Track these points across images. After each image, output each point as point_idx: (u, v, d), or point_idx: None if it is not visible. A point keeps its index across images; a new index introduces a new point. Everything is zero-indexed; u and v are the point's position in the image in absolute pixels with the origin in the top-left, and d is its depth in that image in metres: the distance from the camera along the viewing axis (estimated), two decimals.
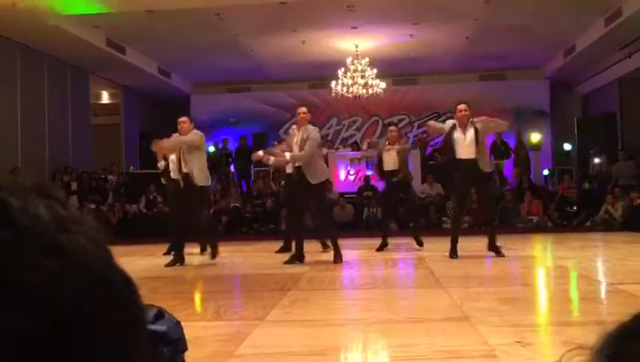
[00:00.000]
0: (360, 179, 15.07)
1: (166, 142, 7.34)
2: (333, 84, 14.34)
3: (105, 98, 18.10)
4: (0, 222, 0.38)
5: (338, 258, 6.83)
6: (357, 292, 5.05)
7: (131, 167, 16.00)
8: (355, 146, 16.76)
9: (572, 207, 12.92)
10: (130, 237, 11.76)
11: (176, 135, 7.44)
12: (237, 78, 16.79)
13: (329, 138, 16.65)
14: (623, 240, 9.57)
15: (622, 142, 15.06)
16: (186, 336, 0.71)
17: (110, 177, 14.56)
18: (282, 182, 8.39)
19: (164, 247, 8.38)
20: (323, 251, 7.86)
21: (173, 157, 7.73)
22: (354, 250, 8.52)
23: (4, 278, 0.37)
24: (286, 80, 16.96)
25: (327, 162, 7.40)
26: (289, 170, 7.29)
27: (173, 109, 17.39)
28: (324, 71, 14.80)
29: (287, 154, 6.75)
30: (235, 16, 11.93)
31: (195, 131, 7.14)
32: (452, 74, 16.66)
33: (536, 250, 8.43)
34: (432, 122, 7.53)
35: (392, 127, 8.82)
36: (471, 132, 6.89)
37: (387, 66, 14.64)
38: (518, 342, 2.87)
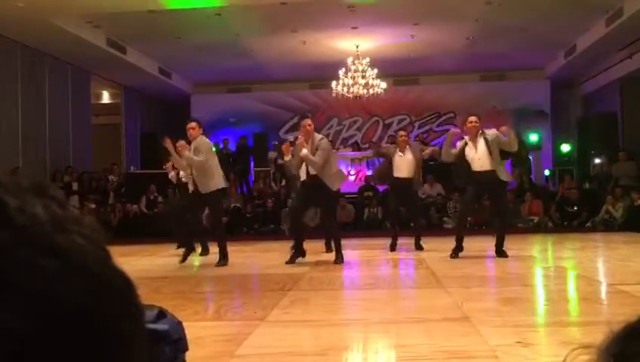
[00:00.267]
0: (360, 179, 15.07)
1: (179, 159, 7.32)
2: (333, 84, 14.34)
3: (105, 98, 18.11)
4: None
5: (339, 259, 6.85)
6: (357, 293, 5.05)
7: (132, 167, 16.01)
8: (356, 146, 16.77)
9: (572, 207, 12.92)
10: (130, 237, 11.77)
11: (182, 143, 7.39)
12: (237, 78, 16.80)
13: (330, 138, 16.64)
14: (624, 241, 9.56)
15: (622, 142, 15.06)
16: (187, 336, 0.71)
17: (111, 177, 14.56)
18: (284, 182, 8.38)
19: (165, 247, 8.39)
20: (326, 252, 7.87)
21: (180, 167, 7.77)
22: (354, 250, 8.52)
23: (0, 279, 0.36)
24: (286, 80, 16.97)
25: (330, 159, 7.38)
26: (303, 176, 7.19)
27: (174, 109, 17.51)
28: (324, 71, 14.81)
29: (304, 151, 6.72)
30: (235, 17, 11.93)
31: (204, 140, 7.10)
32: (453, 74, 16.67)
33: (536, 250, 8.42)
34: (453, 130, 7.39)
35: (401, 132, 8.69)
36: (482, 143, 6.87)
37: (388, 66, 14.65)
38: (518, 342, 2.87)
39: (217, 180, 7.03)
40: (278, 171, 15.34)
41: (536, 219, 12.73)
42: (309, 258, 7.04)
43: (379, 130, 17.66)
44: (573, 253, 7.91)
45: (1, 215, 0.38)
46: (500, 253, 6.91)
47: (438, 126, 17.50)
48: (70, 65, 14.02)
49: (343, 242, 7.19)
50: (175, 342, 0.67)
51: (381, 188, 14.17)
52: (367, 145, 17.11)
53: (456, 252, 7.03)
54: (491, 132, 6.99)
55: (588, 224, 12.41)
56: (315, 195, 6.83)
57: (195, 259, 7.76)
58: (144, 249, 9.46)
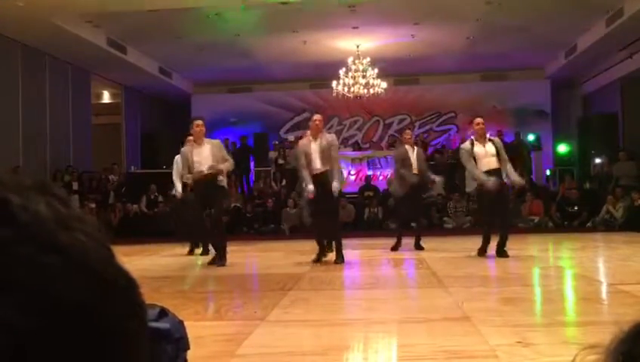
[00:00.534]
0: (361, 179, 15.08)
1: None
2: (334, 84, 14.34)
3: (106, 98, 18.12)
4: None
5: (340, 259, 6.84)
6: (358, 292, 5.05)
7: (132, 167, 16.01)
8: (356, 146, 16.77)
9: (573, 207, 12.92)
10: (131, 236, 11.78)
11: (185, 149, 7.31)
12: (238, 78, 16.79)
13: None
14: (624, 241, 9.56)
15: (623, 142, 15.06)
16: (188, 335, 0.71)
17: (111, 177, 14.57)
18: (284, 182, 8.37)
19: (166, 247, 8.39)
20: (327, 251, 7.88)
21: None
22: (355, 250, 8.52)
23: (3, 277, 0.36)
24: (287, 80, 16.97)
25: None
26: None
27: (174, 109, 17.51)
28: (325, 71, 14.80)
29: (335, 185, 6.67)
30: (235, 17, 11.93)
31: (218, 144, 7.09)
32: (453, 74, 16.66)
33: (537, 250, 8.42)
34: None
35: (407, 130, 8.91)
36: (490, 144, 6.94)
37: (388, 66, 14.65)
38: (519, 342, 2.87)
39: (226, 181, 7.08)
40: (278, 171, 15.35)
41: (536, 219, 12.74)
42: (309, 257, 7.04)
43: (379, 129, 17.66)
44: (574, 253, 7.91)
45: (4, 212, 0.38)
46: (501, 253, 6.91)
47: (438, 126, 17.50)
48: (70, 64, 14.02)
49: (344, 242, 7.19)
50: (177, 341, 0.67)
51: (382, 187, 14.19)
52: (367, 145, 17.12)
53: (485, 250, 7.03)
54: (497, 139, 7.17)
55: (588, 224, 12.41)
56: (326, 193, 6.75)
57: (197, 259, 7.77)
58: (144, 248, 9.46)
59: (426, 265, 6.49)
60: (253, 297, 4.85)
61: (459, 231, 12.15)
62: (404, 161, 8.20)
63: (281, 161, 15.51)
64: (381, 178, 15.49)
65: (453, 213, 12.85)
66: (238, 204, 13.69)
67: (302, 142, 7.02)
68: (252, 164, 16.23)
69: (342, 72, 14.16)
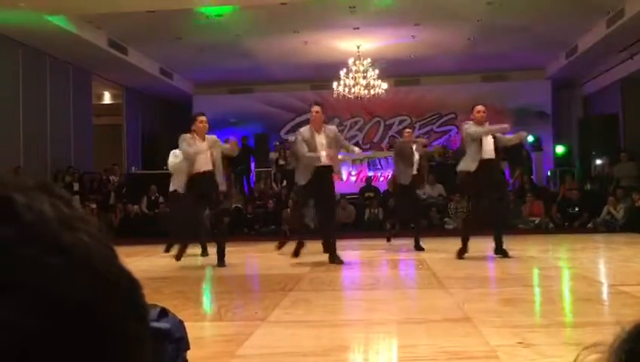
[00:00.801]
0: (361, 179, 15.08)
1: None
2: (335, 84, 14.34)
3: (107, 98, 18.13)
4: (4, 218, 0.38)
5: (335, 259, 6.72)
6: (358, 293, 5.05)
7: (133, 168, 16.02)
8: (357, 147, 16.76)
9: (574, 208, 12.91)
10: (131, 237, 11.78)
11: (187, 135, 7.29)
12: (239, 78, 16.80)
13: None
14: (625, 242, 9.56)
15: (624, 143, 15.05)
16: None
17: (112, 178, 14.58)
18: (285, 182, 8.35)
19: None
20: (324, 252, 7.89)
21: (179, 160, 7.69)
22: (355, 251, 8.52)
23: (6, 276, 0.36)
24: (288, 81, 16.98)
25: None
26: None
27: (175, 110, 17.50)
28: (325, 71, 14.81)
29: (323, 153, 6.55)
30: (236, 17, 11.94)
31: (215, 139, 7.12)
32: (454, 75, 16.67)
33: (537, 251, 8.41)
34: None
35: (408, 129, 8.94)
36: (489, 137, 6.90)
37: (389, 67, 14.65)
38: (519, 342, 2.87)
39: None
40: (279, 172, 15.35)
41: (537, 219, 12.73)
42: (310, 258, 7.04)
43: (380, 130, 17.66)
44: (574, 254, 7.91)
45: (9, 211, 0.38)
46: (501, 251, 6.90)
47: (439, 127, 17.49)
48: (71, 65, 14.03)
49: (344, 243, 7.19)
50: (177, 341, 0.67)
51: (382, 187, 14.20)
52: (368, 146, 17.12)
53: (463, 253, 7.00)
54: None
55: (589, 225, 12.40)
56: (327, 186, 6.68)
57: (197, 260, 7.77)
58: (145, 249, 9.46)
59: (427, 265, 6.49)
60: (253, 298, 4.85)
61: (459, 232, 12.12)
62: (405, 159, 8.20)
63: (281, 162, 15.52)
64: (382, 179, 15.50)
65: (454, 213, 12.84)
66: (239, 205, 13.69)
67: (302, 130, 6.81)
68: (253, 165, 16.24)
69: (342, 72, 14.17)
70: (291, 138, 16.18)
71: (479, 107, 7.01)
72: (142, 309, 0.43)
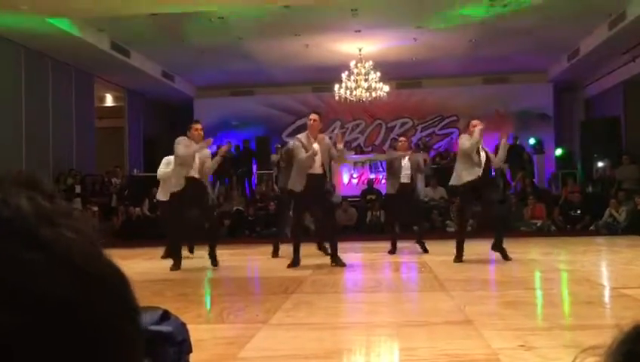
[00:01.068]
0: (363, 182, 15.08)
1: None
2: (336, 87, 14.35)
3: (109, 101, 18.16)
4: None
5: (338, 262, 6.79)
6: (360, 296, 5.05)
7: (135, 170, 16.04)
8: (359, 150, 16.77)
9: (576, 210, 12.90)
10: (133, 239, 11.80)
11: (183, 138, 7.33)
12: (240, 81, 16.82)
13: (332, 141, 16.63)
14: (627, 244, 9.55)
15: (626, 145, 15.04)
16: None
17: (114, 180, 14.59)
18: (279, 186, 8.38)
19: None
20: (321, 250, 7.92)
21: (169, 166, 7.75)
22: (357, 253, 8.52)
23: None
24: (289, 83, 16.99)
25: (330, 165, 7.42)
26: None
27: (177, 112, 17.52)
28: (327, 74, 14.82)
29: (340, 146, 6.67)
30: (238, 20, 11.96)
31: (208, 156, 7.16)
32: (456, 77, 16.66)
33: (539, 253, 8.41)
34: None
35: (402, 138, 8.99)
36: (482, 153, 6.92)
37: (391, 70, 14.65)
38: (521, 345, 2.87)
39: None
40: (280, 174, 15.34)
41: (539, 222, 12.72)
42: (311, 261, 7.04)
43: (381, 133, 17.66)
44: (576, 257, 7.89)
45: None
46: (500, 249, 6.95)
47: (440, 129, 17.50)
48: (74, 68, 14.06)
49: (346, 245, 7.19)
50: (179, 344, 0.67)
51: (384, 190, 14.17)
52: (370, 149, 17.12)
53: (460, 256, 7.02)
54: (486, 150, 7.16)
55: (591, 228, 12.39)
56: (319, 195, 6.77)
57: (199, 262, 7.76)
58: (147, 252, 9.47)
59: (428, 268, 6.49)
60: (255, 300, 4.85)
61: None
62: (391, 170, 8.38)
63: (283, 164, 15.50)
64: (383, 181, 15.48)
65: (456, 216, 12.83)
66: (240, 207, 13.69)
67: (300, 136, 6.97)
68: (254, 167, 16.25)
69: (344, 75, 14.17)
70: (290, 142, 16.24)
71: (475, 121, 7.04)
72: (131, 307, 0.43)
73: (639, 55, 13.36)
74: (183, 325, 0.71)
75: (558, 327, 3.39)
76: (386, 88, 14.47)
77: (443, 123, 17.48)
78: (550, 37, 13.19)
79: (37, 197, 0.41)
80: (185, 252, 7.82)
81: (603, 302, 4.42)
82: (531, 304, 4.42)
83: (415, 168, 8.42)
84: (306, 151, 6.70)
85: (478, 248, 7.62)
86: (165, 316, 0.69)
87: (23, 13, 10.38)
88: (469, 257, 7.06)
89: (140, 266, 7.70)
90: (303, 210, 7.11)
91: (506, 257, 6.90)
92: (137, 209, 13.34)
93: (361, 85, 14.23)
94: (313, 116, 6.86)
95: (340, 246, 7.00)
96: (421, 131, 17.43)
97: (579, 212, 12.82)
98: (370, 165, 15.47)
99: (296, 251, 6.82)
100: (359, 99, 14.51)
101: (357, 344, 3.18)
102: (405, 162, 8.33)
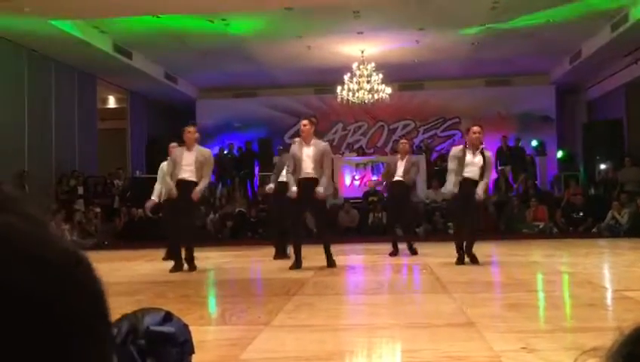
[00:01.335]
0: (365, 184, 15.07)
1: (198, 193, 7.27)
2: (338, 89, 14.36)
3: (111, 102, 18.19)
4: None
5: (331, 263, 6.87)
6: (362, 298, 5.05)
7: (137, 172, 16.05)
8: (361, 151, 16.77)
9: (578, 213, 12.88)
10: (135, 241, 11.81)
11: (173, 145, 7.40)
12: (243, 83, 16.84)
13: (334, 143, 16.67)
14: (629, 247, 9.53)
15: (628, 148, 15.02)
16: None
17: (116, 181, 14.61)
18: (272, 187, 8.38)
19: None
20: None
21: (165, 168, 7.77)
22: (359, 255, 8.52)
23: None
24: (291, 85, 17.01)
25: (332, 167, 7.48)
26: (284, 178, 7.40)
27: (180, 114, 17.53)
28: (329, 76, 14.83)
29: (321, 189, 6.71)
30: (241, 22, 11.97)
31: (209, 153, 7.12)
32: (458, 79, 16.67)
33: (541, 255, 8.40)
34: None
35: (403, 140, 8.98)
36: (479, 157, 6.94)
37: (393, 72, 14.66)
38: (523, 348, 2.87)
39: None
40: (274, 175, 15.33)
41: (541, 224, 12.70)
42: (313, 263, 7.04)
43: (384, 135, 17.67)
44: (579, 259, 7.88)
45: None
46: (470, 255, 6.96)
47: (442, 131, 17.50)
48: (76, 69, 14.09)
49: (347, 247, 7.19)
50: (181, 345, 0.67)
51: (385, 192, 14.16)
52: (372, 150, 17.12)
53: (462, 259, 7.03)
54: (488, 154, 7.15)
55: (593, 230, 12.37)
56: (309, 199, 6.79)
57: (201, 265, 7.76)
58: (149, 253, 9.48)
59: (430, 270, 6.48)
60: (257, 302, 4.85)
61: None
62: (389, 173, 8.44)
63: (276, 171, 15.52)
64: (385, 183, 15.47)
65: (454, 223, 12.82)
66: (243, 209, 13.70)
67: (293, 147, 7.09)
68: (256, 169, 16.25)
69: (346, 77, 14.18)
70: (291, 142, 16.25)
71: (475, 128, 7.07)
72: (88, 288, 0.41)
73: None
74: (186, 326, 0.71)
75: (560, 330, 3.39)
76: (389, 90, 14.48)
77: (445, 125, 17.48)
78: (552, 39, 13.19)
79: None
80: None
81: (605, 305, 4.41)
82: (533, 306, 4.41)
83: (410, 169, 8.43)
84: (294, 159, 6.85)
85: (480, 250, 7.60)
86: (168, 317, 0.69)
87: (25, 15, 10.40)
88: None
89: (142, 268, 7.72)
90: (297, 212, 7.12)
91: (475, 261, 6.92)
92: (140, 210, 13.34)
93: (364, 87, 14.23)
94: (304, 122, 6.94)
95: (342, 247, 7.02)
96: (423, 133, 17.42)
97: (581, 214, 12.81)
98: (372, 167, 15.46)
99: (297, 253, 6.84)
100: (361, 101, 14.51)
101: (359, 346, 3.18)
102: (401, 163, 8.35)
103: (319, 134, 7.12)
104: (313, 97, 17.39)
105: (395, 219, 8.88)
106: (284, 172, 7.71)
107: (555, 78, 16.57)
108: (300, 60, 14.73)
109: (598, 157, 15.28)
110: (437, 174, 14.22)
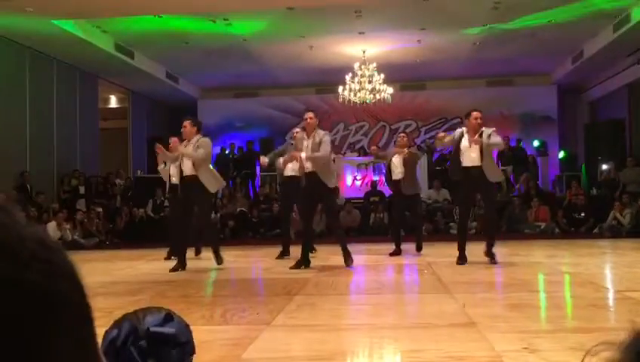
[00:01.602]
0: (367, 184, 15.07)
1: (169, 155, 7.36)
2: (340, 89, 14.35)
3: (113, 102, 18.20)
4: None
5: (350, 261, 6.85)
6: (363, 298, 5.04)
7: (139, 171, 16.06)
8: (362, 151, 16.77)
9: (580, 213, 12.87)
10: (137, 240, 11.82)
11: (174, 139, 7.50)
12: (244, 83, 16.84)
13: (336, 143, 16.67)
14: (631, 247, 9.52)
15: (630, 148, 15.00)
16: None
17: (118, 181, 14.61)
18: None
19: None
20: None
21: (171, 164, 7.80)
22: (360, 255, 8.51)
23: None
24: (293, 85, 17.01)
25: (333, 157, 7.54)
26: (290, 172, 7.39)
27: (181, 114, 17.50)
28: (331, 76, 14.83)
29: (303, 154, 6.74)
30: (242, 22, 11.97)
31: (206, 139, 7.11)
32: (459, 79, 16.66)
33: (543, 256, 8.39)
34: (441, 133, 7.46)
35: (401, 134, 8.95)
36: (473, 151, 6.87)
37: (394, 72, 14.65)
38: (525, 348, 2.86)
39: (215, 183, 7.05)
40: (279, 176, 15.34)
41: (543, 225, 12.69)
42: (315, 263, 7.03)
43: (385, 135, 17.66)
44: (580, 259, 7.87)
45: None
46: (490, 255, 6.91)
47: (444, 131, 17.47)
48: (78, 69, 14.10)
49: (349, 247, 7.17)
50: (183, 345, 0.67)
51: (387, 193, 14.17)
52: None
53: (463, 258, 7.01)
54: (489, 130, 6.90)
55: (595, 230, 12.35)
56: (317, 195, 6.81)
57: (201, 264, 7.77)
58: (150, 253, 9.48)
59: (432, 270, 6.48)
60: (258, 302, 4.84)
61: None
62: (388, 166, 8.40)
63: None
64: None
65: (458, 219, 12.81)
66: (244, 209, 13.69)
67: (297, 135, 7.17)
68: (258, 169, 16.25)
69: (348, 77, 14.18)
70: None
71: (476, 113, 6.93)
72: (54, 277, 0.40)
73: None
74: (187, 326, 0.71)
75: (562, 330, 3.38)
76: (390, 90, 14.47)
77: (447, 125, 17.45)
78: (554, 39, 13.18)
79: None
80: (190, 253, 7.85)
81: (607, 305, 4.40)
82: (535, 306, 4.40)
83: (410, 165, 8.37)
84: (294, 153, 6.98)
85: (482, 251, 7.59)
86: (169, 317, 0.68)
87: (27, 15, 10.41)
88: (473, 259, 7.05)
89: (144, 267, 7.72)
90: (307, 208, 7.10)
91: (493, 260, 6.88)
92: (141, 210, 13.35)
93: (365, 87, 14.22)
94: (310, 114, 6.93)
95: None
96: (425, 133, 17.42)
97: (583, 214, 12.80)
98: (373, 167, 15.46)
99: (305, 251, 6.86)
100: (363, 101, 14.51)
101: (360, 346, 3.18)
102: (398, 159, 8.32)
103: None
104: (315, 97, 17.39)
105: (398, 218, 8.84)
106: (290, 165, 7.73)
107: (557, 78, 16.56)
108: (301, 60, 14.73)
109: (600, 158, 15.26)
110: (438, 174, 14.21)
